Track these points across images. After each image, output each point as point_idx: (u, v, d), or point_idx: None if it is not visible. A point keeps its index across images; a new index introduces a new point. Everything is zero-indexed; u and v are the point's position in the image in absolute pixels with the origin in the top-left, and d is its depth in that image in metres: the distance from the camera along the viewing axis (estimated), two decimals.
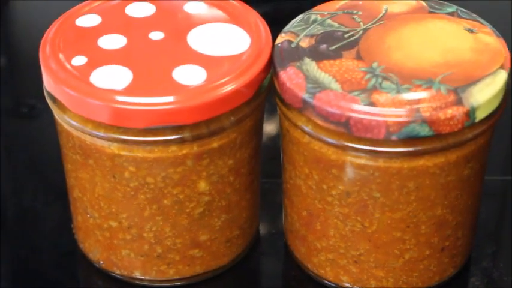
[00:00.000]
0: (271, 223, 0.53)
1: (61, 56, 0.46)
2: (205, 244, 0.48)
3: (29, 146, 0.60)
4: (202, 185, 0.46)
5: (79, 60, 0.45)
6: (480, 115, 0.44)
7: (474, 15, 0.48)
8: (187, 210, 0.47)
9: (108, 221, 0.48)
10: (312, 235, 0.49)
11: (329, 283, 0.49)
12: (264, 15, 0.65)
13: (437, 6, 0.49)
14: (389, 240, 0.47)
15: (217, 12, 0.49)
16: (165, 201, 0.46)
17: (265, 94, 0.47)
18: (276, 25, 0.49)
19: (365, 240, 0.47)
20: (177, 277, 0.49)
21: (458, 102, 0.43)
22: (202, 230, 0.48)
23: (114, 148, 0.45)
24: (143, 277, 0.49)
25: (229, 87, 0.44)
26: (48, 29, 0.47)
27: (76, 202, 0.49)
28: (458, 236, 0.49)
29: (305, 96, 0.44)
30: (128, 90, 0.44)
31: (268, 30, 0.48)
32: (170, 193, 0.46)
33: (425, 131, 0.43)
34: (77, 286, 0.51)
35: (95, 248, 0.50)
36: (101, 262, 0.50)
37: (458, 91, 0.44)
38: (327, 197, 0.47)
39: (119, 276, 0.50)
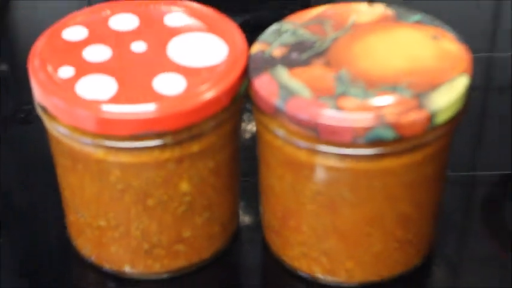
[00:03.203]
0: (250, 219, 0.52)
1: (49, 67, 0.44)
2: (189, 240, 0.47)
3: (26, 148, 0.58)
4: (184, 186, 0.45)
5: (66, 72, 0.44)
6: (441, 119, 0.43)
7: (438, 22, 0.47)
8: (171, 210, 0.46)
9: (97, 220, 0.46)
10: (286, 231, 0.47)
11: (303, 274, 0.48)
12: (244, 24, 0.64)
13: (403, 15, 0.47)
14: (358, 235, 0.46)
15: (196, 23, 0.47)
16: (150, 202, 0.45)
17: (241, 100, 0.45)
18: (256, 32, 0.48)
19: (335, 235, 0.46)
20: (163, 270, 0.48)
21: (420, 107, 0.42)
22: (185, 227, 0.47)
23: (100, 154, 0.43)
24: (132, 271, 0.48)
25: (207, 95, 0.43)
26: (36, 42, 0.46)
27: (67, 202, 0.48)
28: (422, 229, 0.47)
29: (277, 102, 0.43)
30: (113, 100, 0.42)
31: (244, 39, 0.46)
32: (154, 194, 0.45)
33: (389, 134, 0.42)
34: (71, 281, 0.50)
35: (86, 244, 0.48)
36: (92, 257, 0.48)
37: (420, 96, 0.42)
38: (299, 196, 0.45)
39: (109, 271, 0.48)
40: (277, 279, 0.49)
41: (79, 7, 0.71)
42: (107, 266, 0.48)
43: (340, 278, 0.47)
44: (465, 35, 0.47)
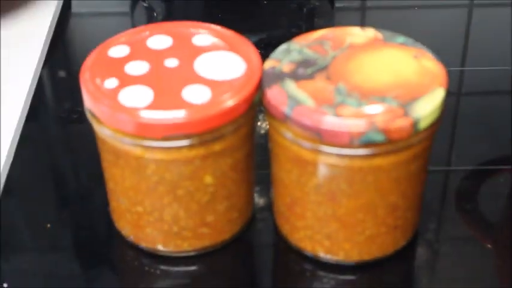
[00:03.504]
0: (263, 206, 0.53)
1: (97, 79, 0.45)
2: (212, 224, 0.48)
3: (79, 144, 0.59)
4: (208, 179, 0.46)
5: (111, 83, 0.45)
6: (423, 125, 0.44)
7: (419, 44, 0.48)
8: (197, 199, 0.47)
9: (135, 206, 0.48)
10: (293, 217, 0.48)
11: (307, 253, 0.49)
12: (260, 41, 0.65)
13: (390, 37, 0.48)
14: (354, 221, 0.47)
15: (219, 43, 0.48)
16: (179, 192, 0.46)
17: (256, 107, 0.46)
18: (269, 48, 0.49)
19: (335, 221, 0.47)
20: (190, 249, 0.49)
21: (406, 115, 0.43)
22: (209, 213, 0.48)
23: (138, 152, 0.45)
24: (164, 249, 0.49)
25: (228, 104, 0.44)
26: (87, 58, 0.47)
27: (111, 191, 0.49)
28: (408, 216, 0.48)
29: (286, 110, 0.44)
30: (149, 107, 0.43)
31: (259, 57, 0.47)
32: (183, 185, 0.46)
33: (380, 138, 0.43)
34: (114, 256, 0.51)
35: (126, 226, 0.49)
36: (131, 237, 0.50)
37: (405, 106, 0.43)
38: (304, 188, 0.46)
39: (145, 248, 0.49)
40: (285, 257, 0.50)
41: (125, 23, 0.74)
42: (143, 244, 0.49)
43: (339, 257, 0.48)
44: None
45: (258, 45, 0.50)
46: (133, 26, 0.73)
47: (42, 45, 0.68)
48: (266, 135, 0.49)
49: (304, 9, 0.73)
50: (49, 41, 0.69)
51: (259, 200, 0.53)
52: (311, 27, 0.71)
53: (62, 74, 0.69)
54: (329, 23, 0.74)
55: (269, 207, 0.52)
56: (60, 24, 0.72)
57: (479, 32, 0.70)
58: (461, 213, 0.53)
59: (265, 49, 0.65)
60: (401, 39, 0.48)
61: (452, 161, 0.57)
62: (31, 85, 0.64)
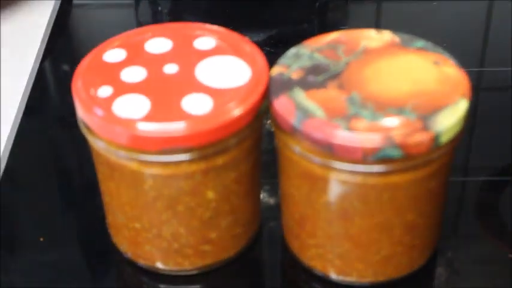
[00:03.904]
0: (271, 218, 0.49)
1: (90, 87, 0.42)
2: (214, 241, 0.45)
3: (80, 147, 0.56)
4: (210, 194, 0.43)
5: (105, 91, 0.42)
6: (444, 139, 0.40)
7: (440, 49, 0.44)
8: (198, 215, 0.44)
9: (133, 222, 0.44)
10: (303, 234, 0.45)
11: (318, 273, 0.46)
12: (268, 39, 0.61)
13: (408, 41, 0.44)
14: (368, 240, 0.43)
15: (222, 46, 0.45)
16: (179, 208, 0.43)
17: (262, 117, 0.43)
18: (279, 46, 0.46)
19: (347, 240, 0.43)
20: (192, 267, 0.46)
21: (425, 128, 0.39)
22: (211, 230, 0.45)
23: (134, 166, 0.41)
24: (163, 267, 0.46)
25: (232, 114, 0.41)
26: (80, 64, 0.44)
27: (107, 205, 0.46)
28: (426, 235, 0.45)
29: (294, 122, 0.40)
30: (145, 118, 0.40)
31: (266, 62, 0.44)
32: (183, 201, 0.43)
33: (397, 153, 0.39)
34: (111, 272, 0.48)
35: (124, 242, 0.46)
36: (129, 254, 0.46)
37: (425, 118, 0.40)
38: (315, 204, 0.43)
39: (144, 266, 0.46)
40: (294, 276, 0.47)
41: (128, 16, 0.70)
42: (142, 261, 0.46)
43: (351, 277, 0.45)
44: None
45: (267, 42, 0.46)
46: (137, 19, 0.70)
47: (41, 38, 0.65)
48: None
49: (317, 2, 0.69)
50: (48, 33, 0.66)
51: (267, 211, 0.49)
52: (324, 22, 0.67)
53: (65, 67, 0.66)
54: (343, 17, 0.70)
55: (277, 218, 0.48)
56: (62, 16, 0.69)
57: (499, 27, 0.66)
58: (484, 228, 0.49)
59: (275, 47, 0.62)
60: (420, 43, 0.44)
61: (471, 170, 0.54)
62: (29, 79, 0.61)
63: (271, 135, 0.43)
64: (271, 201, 0.50)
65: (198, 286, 0.46)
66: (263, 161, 0.46)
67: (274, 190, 0.49)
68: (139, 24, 0.69)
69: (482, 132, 0.56)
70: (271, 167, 0.46)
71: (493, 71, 0.62)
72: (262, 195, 0.49)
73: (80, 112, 0.42)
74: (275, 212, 0.48)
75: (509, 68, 0.61)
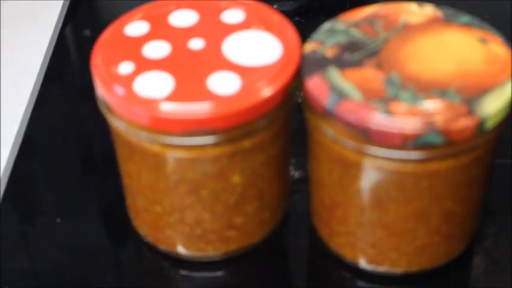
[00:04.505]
0: (299, 202, 0.47)
1: (110, 63, 0.39)
2: (240, 226, 0.43)
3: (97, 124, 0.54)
4: (236, 178, 0.41)
5: (126, 68, 0.39)
6: (490, 124, 0.37)
7: (486, 25, 0.41)
8: (223, 200, 0.41)
9: (153, 206, 0.42)
10: (333, 220, 0.43)
11: (348, 261, 0.44)
12: (299, 7, 0.57)
13: (452, 16, 0.41)
14: (403, 229, 0.41)
15: (251, 20, 0.42)
16: (203, 193, 0.41)
17: (293, 97, 0.40)
18: (310, 17, 0.43)
19: (381, 228, 0.41)
20: (215, 253, 0.44)
21: (470, 113, 0.37)
22: (236, 215, 0.42)
23: (155, 148, 0.39)
24: (185, 252, 0.44)
25: (260, 95, 0.38)
26: (100, 38, 0.41)
27: (127, 187, 0.44)
28: (465, 224, 0.42)
29: (328, 105, 0.38)
30: (168, 98, 0.38)
31: (297, 37, 0.41)
32: (207, 185, 0.40)
33: (438, 140, 0.37)
34: (130, 257, 0.46)
35: (143, 226, 0.44)
36: (149, 238, 0.44)
37: (470, 102, 0.37)
38: (347, 190, 0.40)
39: (164, 251, 0.44)
40: (322, 264, 0.45)
41: None
42: (162, 246, 0.44)
43: (384, 267, 0.43)
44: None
45: (297, 11, 0.43)
46: None
47: (62, 2, 0.63)
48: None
49: None
50: None
51: (295, 194, 0.47)
52: None
53: (87, 34, 0.63)
54: None
55: (306, 203, 0.46)
56: None
57: None
58: None
59: (305, 16, 0.58)
60: (465, 18, 0.41)
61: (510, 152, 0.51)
62: (49, 46, 0.59)
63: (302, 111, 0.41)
64: (301, 183, 0.48)
65: (222, 272, 0.44)
66: (293, 138, 0.43)
67: (304, 171, 0.47)
68: None
69: None
70: (302, 146, 0.44)
71: None
72: (291, 177, 0.47)
73: (100, 90, 0.39)
74: (304, 196, 0.46)
75: None
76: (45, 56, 0.59)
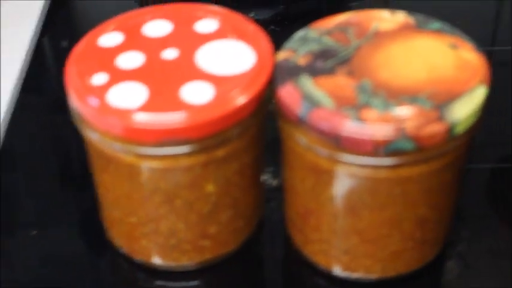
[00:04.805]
0: (275, 210, 0.47)
1: (84, 74, 0.40)
2: (214, 235, 0.43)
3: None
4: (210, 188, 0.41)
5: (100, 79, 0.39)
6: (460, 129, 0.38)
7: (458, 31, 0.42)
8: (197, 209, 0.41)
9: (128, 217, 0.42)
10: (307, 228, 0.43)
11: (322, 268, 0.44)
12: (275, 15, 0.58)
13: (423, 23, 0.42)
14: (376, 235, 0.41)
15: (225, 29, 0.42)
16: (177, 202, 0.41)
17: (267, 106, 0.41)
18: (286, 25, 0.43)
19: (354, 235, 0.41)
20: (190, 263, 0.44)
21: (440, 118, 0.37)
22: (210, 224, 0.42)
23: (129, 159, 0.39)
24: (160, 262, 0.44)
25: (234, 104, 0.38)
26: (73, 49, 0.41)
27: (101, 197, 0.44)
28: (438, 229, 0.43)
29: (300, 113, 0.38)
30: (142, 108, 0.38)
31: (270, 45, 0.41)
32: (181, 195, 0.41)
33: (409, 146, 0.37)
34: (105, 268, 0.46)
35: (118, 237, 0.44)
36: (124, 249, 0.44)
37: (440, 108, 0.38)
38: (320, 198, 0.41)
39: (140, 261, 0.44)
40: (297, 272, 0.45)
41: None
42: (138, 257, 0.44)
43: (358, 273, 0.43)
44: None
45: (273, 20, 0.43)
46: None
47: (39, 12, 0.63)
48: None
49: None
50: (48, 7, 0.64)
51: (269, 202, 0.47)
52: None
53: (64, 44, 0.63)
54: None
55: (280, 210, 0.46)
56: None
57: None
58: (497, 219, 0.47)
59: (281, 25, 0.59)
60: (436, 24, 0.42)
61: (481, 156, 0.51)
62: (27, 56, 0.59)
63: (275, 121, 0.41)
64: (276, 191, 0.48)
65: (197, 282, 0.44)
66: (271, 146, 0.44)
67: (278, 179, 0.47)
68: (142, 3, 0.66)
69: (493, 115, 0.54)
70: (275, 154, 0.44)
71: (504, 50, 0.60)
72: (268, 186, 0.47)
73: (73, 101, 0.40)
74: (278, 204, 0.46)
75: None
76: (22, 66, 0.59)
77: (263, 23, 0.43)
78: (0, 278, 0.44)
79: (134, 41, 0.41)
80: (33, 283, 0.44)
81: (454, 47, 0.41)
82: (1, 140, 0.52)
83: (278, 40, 0.42)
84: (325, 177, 0.40)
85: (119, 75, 0.39)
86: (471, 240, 0.46)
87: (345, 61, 0.40)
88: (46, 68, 0.61)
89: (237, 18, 0.43)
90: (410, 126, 0.37)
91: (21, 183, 0.50)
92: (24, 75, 0.57)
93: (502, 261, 0.45)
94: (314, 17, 0.43)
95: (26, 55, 0.59)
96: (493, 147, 0.52)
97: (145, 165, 0.39)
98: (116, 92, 0.39)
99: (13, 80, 0.57)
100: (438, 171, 0.39)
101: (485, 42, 0.60)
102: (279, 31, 0.41)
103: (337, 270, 0.43)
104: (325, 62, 0.40)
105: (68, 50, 0.46)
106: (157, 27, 0.42)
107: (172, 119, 0.37)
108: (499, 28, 0.62)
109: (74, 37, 0.62)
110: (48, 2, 0.64)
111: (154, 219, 0.42)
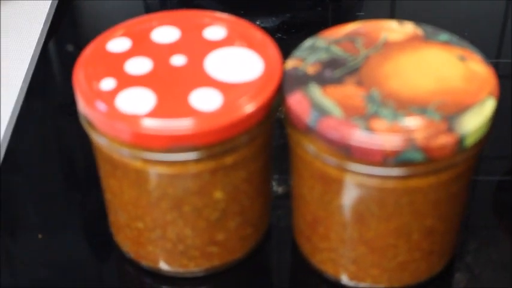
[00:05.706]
0: (282, 218, 0.47)
1: (92, 79, 0.40)
2: (222, 242, 0.43)
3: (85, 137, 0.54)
4: (218, 195, 0.41)
5: (108, 84, 0.39)
6: (469, 141, 0.38)
7: (466, 43, 0.41)
8: (205, 216, 0.41)
9: (135, 222, 0.42)
10: (315, 236, 0.43)
11: (329, 277, 0.44)
12: (281, 24, 0.58)
13: (432, 34, 0.42)
14: (384, 245, 0.41)
15: (233, 37, 0.42)
16: (185, 208, 0.41)
17: (275, 113, 0.41)
18: (292, 33, 0.43)
19: (362, 244, 0.41)
20: (197, 269, 0.44)
21: (450, 130, 0.37)
22: (218, 231, 0.42)
23: (137, 164, 0.39)
24: (167, 268, 0.44)
25: (242, 111, 0.38)
26: (82, 54, 0.41)
27: (109, 203, 0.44)
28: (446, 240, 0.43)
29: (309, 121, 0.38)
30: (150, 114, 0.38)
31: (279, 53, 0.41)
32: (189, 201, 0.41)
33: (418, 157, 0.37)
34: (112, 273, 0.46)
35: (125, 242, 0.44)
36: (131, 254, 0.44)
37: (449, 119, 0.37)
38: (329, 207, 0.41)
39: (146, 267, 0.44)
40: (304, 280, 0.45)
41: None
42: (144, 262, 0.44)
43: (365, 283, 0.43)
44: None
45: (279, 28, 0.43)
46: (146, 4, 0.67)
47: (45, 18, 0.63)
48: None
49: None
50: (53, 12, 0.64)
51: (277, 210, 0.47)
52: (339, 7, 0.64)
53: (69, 48, 0.64)
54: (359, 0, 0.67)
55: (289, 219, 0.46)
56: None
57: None
58: (505, 231, 0.47)
59: (288, 33, 0.59)
60: (445, 36, 0.42)
61: (489, 168, 0.51)
62: (32, 61, 0.59)
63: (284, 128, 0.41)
64: (284, 199, 0.48)
65: None
66: (277, 154, 0.44)
67: (287, 187, 0.47)
68: (148, 8, 0.66)
69: (497, 128, 0.54)
70: (283, 161, 0.44)
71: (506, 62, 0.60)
72: (275, 193, 0.47)
73: (82, 106, 0.40)
74: (286, 212, 0.46)
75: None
76: (27, 70, 0.59)
77: (269, 31, 0.43)
78: (5, 283, 0.44)
79: (143, 46, 0.41)
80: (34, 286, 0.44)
81: (462, 58, 0.40)
82: (7, 144, 0.52)
83: (285, 48, 0.42)
84: (333, 186, 0.39)
85: (127, 81, 0.39)
86: (478, 252, 0.46)
87: (354, 71, 0.40)
88: (52, 73, 0.61)
89: (245, 26, 0.43)
90: (419, 137, 0.37)
91: (27, 187, 0.51)
92: (29, 79, 0.57)
93: (509, 273, 0.45)
94: (320, 26, 0.43)
95: (32, 59, 0.59)
96: (498, 160, 0.52)
97: (153, 171, 0.39)
98: (124, 98, 0.39)
99: (19, 84, 0.57)
100: (447, 182, 0.39)
101: (490, 55, 0.60)
102: (285, 39, 0.41)
103: (345, 280, 0.43)
104: (334, 71, 0.40)
105: (73, 54, 0.46)
106: (165, 33, 0.42)
107: (181, 125, 0.37)
108: (504, 40, 0.62)
109: (80, 41, 0.63)
110: (54, 6, 0.64)
111: (161, 225, 0.42)
